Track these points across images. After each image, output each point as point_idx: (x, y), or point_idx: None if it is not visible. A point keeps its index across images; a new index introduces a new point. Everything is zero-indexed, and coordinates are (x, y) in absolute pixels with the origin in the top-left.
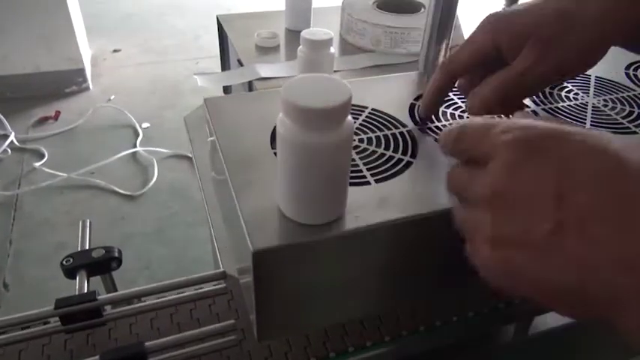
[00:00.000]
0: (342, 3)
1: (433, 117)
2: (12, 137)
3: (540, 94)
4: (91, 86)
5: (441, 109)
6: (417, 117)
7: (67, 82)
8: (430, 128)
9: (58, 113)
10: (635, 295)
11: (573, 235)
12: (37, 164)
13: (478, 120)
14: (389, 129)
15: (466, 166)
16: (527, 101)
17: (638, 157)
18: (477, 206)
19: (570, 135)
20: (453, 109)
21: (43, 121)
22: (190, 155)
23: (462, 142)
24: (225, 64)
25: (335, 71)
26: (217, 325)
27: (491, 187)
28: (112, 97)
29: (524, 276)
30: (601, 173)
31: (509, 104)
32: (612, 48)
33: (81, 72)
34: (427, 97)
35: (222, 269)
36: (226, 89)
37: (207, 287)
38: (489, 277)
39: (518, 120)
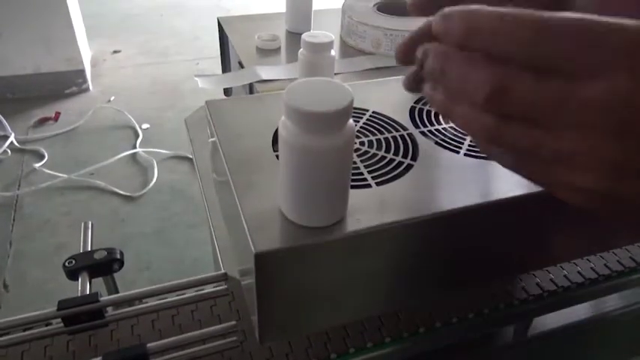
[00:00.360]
0: (343, 5)
1: (434, 119)
2: (12, 138)
3: None
4: (90, 87)
5: None
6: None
7: (67, 83)
8: (431, 131)
9: (58, 114)
10: None
11: None
12: (37, 165)
13: (565, 18)
14: (389, 132)
15: (545, 78)
16: None
17: None
18: (590, 137)
19: None
20: None
21: (43, 122)
22: (190, 156)
23: (549, 42)
24: (225, 66)
25: (336, 74)
26: (218, 326)
27: (614, 120)
28: (112, 98)
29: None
30: None
31: None
32: None
33: (81, 73)
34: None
35: (223, 271)
36: (227, 91)
37: (208, 289)
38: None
39: (627, 29)
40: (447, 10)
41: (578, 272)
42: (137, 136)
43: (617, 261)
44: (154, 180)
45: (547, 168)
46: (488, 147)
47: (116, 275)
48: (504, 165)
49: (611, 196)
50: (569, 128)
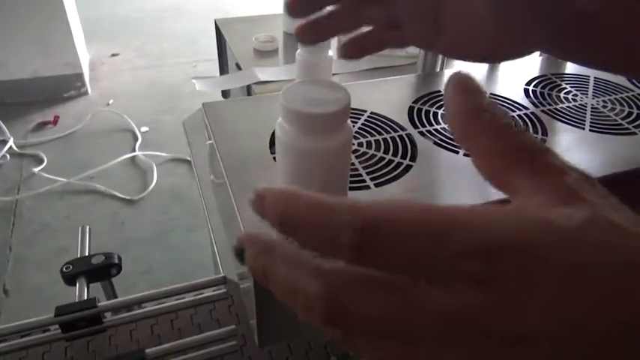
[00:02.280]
0: None
1: (432, 119)
2: (11, 142)
3: (539, 96)
4: (89, 91)
5: (440, 111)
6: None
7: (66, 87)
8: (430, 131)
9: (56, 118)
10: None
11: None
12: (37, 169)
13: (398, 212)
14: (388, 132)
15: (383, 287)
16: (525, 102)
17: None
18: (434, 354)
19: (561, 246)
20: None
21: (42, 126)
22: (189, 159)
23: (381, 246)
24: (223, 68)
25: (333, 74)
26: (218, 330)
27: (458, 336)
28: (111, 102)
29: None
30: (611, 304)
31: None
32: None
33: (79, 77)
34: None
35: (222, 274)
36: (225, 93)
37: (207, 292)
38: None
39: (471, 227)
40: (260, 188)
41: None
42: (136, 139)
43: None
44: (154, 183)
45: None
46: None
47: (116, 279)
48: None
49: None
50: (425, 347)
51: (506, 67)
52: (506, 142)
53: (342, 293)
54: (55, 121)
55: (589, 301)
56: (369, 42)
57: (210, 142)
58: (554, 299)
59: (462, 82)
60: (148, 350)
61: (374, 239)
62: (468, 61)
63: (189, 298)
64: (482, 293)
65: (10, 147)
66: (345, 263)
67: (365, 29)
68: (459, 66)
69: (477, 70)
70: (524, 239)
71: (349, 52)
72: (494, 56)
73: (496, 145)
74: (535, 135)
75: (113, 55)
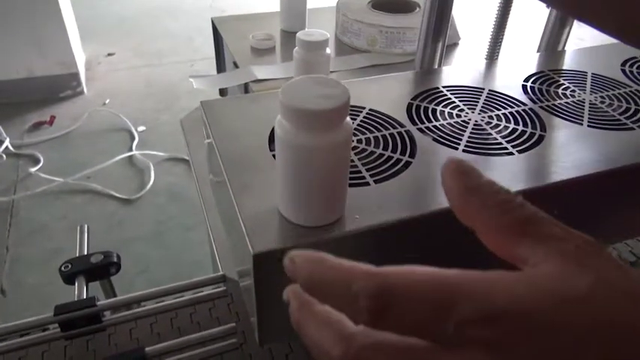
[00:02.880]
0: (337, 3)
1: (431, 116)
2: (7, 143)
3: (537, 92)
4: (85, 90)
5: (438, 107)
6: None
7: (62, 87)
8: (429, 128)
9: (52, 118)
10: None
11: None
12: (33, 169)
13: (410, 279)
14: (387, 129)
15: (401, 351)
16: (523, 99)
17: None
18: None
19: (569, 310)
20: (450, 108)
21: (38, 126)
22: (187, 158)
23: (393, 311)
24: (220, 67)
25: (331, 72)
26: (217, 328)
27: None
28: (107, 101)
29: None
30: None
31: None
32: (608, 45)
33: (75, 76)
34: None
35: (221, 272)
36: (222, 91)
37: (206, 291)
38: None
39: (473, 294)
40: (292, 252)
41: None
42: (133, 138)
43: (617, 256)
44: (151, 182)
45: None
46: None
47: (114, 278)
48: None
49: None
50: None
51: (504, 64)
52: (508, 216)
53: (359, 358)
54: (51, 121)
55: None
56: None
57: (209, 140)
58: None
59: (459, 164)
60: (147, 348)
61: (388, 305)
62: None
63: (188, 296)
64: (491, 356)
65: (6, 147)
66: (366, 327)
67: None
68: (456, 63)
69: (475, 67)
70: (531, 305)
71: None
72: None
73: (499, 220)
74: (534, 131)
75: (109, 54)
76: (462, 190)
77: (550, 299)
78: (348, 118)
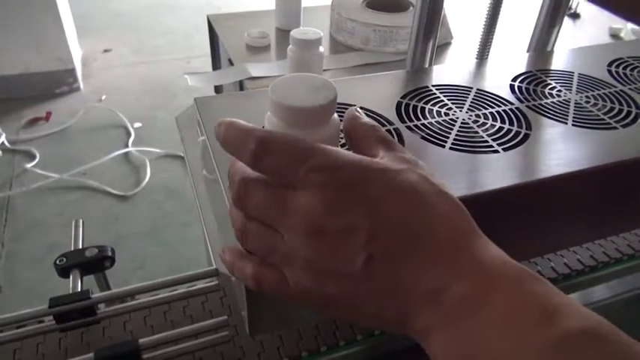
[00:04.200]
0: (332, 2)
1: (420, 114)
2: (3, 138)
3: (524, 91)
4: (81, 86)
5: (427, 106)
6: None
7: (58, 83)
8: (417, 126)
9: (49, 114)
10: (420, 316)
11: (380, 268)
12: (29, 165)
13: (284, 138)
14: None
15: (269, 186)
16: (510, 98)
17: (438, 199)
18: (293, 237)
19: (380, 174)
20: (439, 107)
21: (34, 122)
22: (182, 154)
23: (267, 156)
24: (216, 64)
25: (325, 70)
26: (210, 321)
27: (307, 224)
28: (104, 97)
29: (337, 301)
30: (404, 214)
31: None
32: (595, 46)
33: (71, 72)
34: None
35: (214, 267)
36: (217, 88)
37: (199, 285)
38: (302, 303)
39: (327, 154)
40: (220, 120)
41: (565, 264)
42: (129, 135)
43: (603, 252)
44: (147, 179)
45: (282, 267)
46: (242, 244)
47: (109, 274)
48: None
49: (322, 295)
50: (287, 231)
51: (494, 64)
52: (373, 133)
53: (245, 185)
54: (47, 117)
55: (396, 211)
56: None
57: (203, 137)
58: (374, 204)
59: (358, 112)
60: (141, 340)
61: (266, 150)
62: None
63: (181, 290)
64: (326, 193)
65: (2, 143)
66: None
67: None
68: (447, 63)
69: (465, 66)
70: (364, 164)
71: None
72: None
73: (367, 134)
74: (519, 129)
75: (106, 50)
76: (355, 122)
77: (376, 165)
78: (335, 115)
